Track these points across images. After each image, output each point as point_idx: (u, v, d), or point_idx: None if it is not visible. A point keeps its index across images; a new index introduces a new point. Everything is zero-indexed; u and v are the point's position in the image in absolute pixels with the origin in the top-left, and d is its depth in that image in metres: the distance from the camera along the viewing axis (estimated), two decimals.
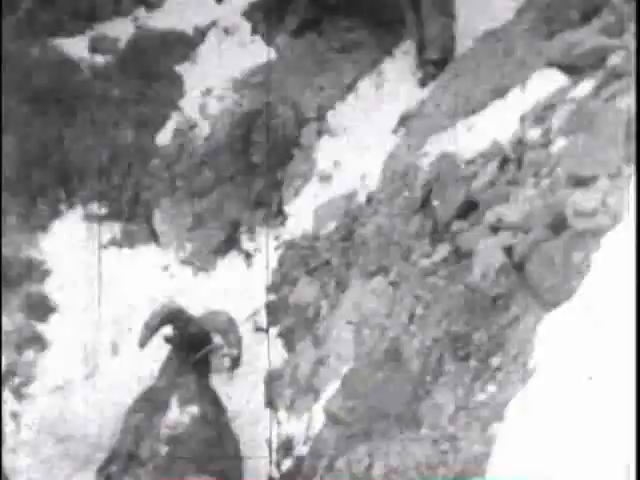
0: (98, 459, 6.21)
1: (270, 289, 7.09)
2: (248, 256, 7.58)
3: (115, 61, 8.41)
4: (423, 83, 7.73)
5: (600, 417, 3.53)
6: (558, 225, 4.53)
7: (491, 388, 4.31)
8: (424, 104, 7.21)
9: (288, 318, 6.61)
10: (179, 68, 8.38)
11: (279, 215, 7.66)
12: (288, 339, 6.49)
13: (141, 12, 8.79)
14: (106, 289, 7.20)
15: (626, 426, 3.43)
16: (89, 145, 7.75)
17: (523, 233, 4.72)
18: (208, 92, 8.17)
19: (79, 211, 7.71)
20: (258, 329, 6.92)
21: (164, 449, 5.83)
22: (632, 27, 5.52)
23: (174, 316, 6.68)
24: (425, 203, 5.83)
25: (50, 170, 7.65)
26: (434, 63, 7.71)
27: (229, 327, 6.67)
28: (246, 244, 7.64)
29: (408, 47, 8.15)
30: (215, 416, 6.18)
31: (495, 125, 6.06)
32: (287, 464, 5.60)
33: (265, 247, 7.52)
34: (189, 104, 8.17)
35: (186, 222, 7.69)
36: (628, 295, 3.75)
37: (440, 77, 7.41)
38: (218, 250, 7.60)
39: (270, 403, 6.29)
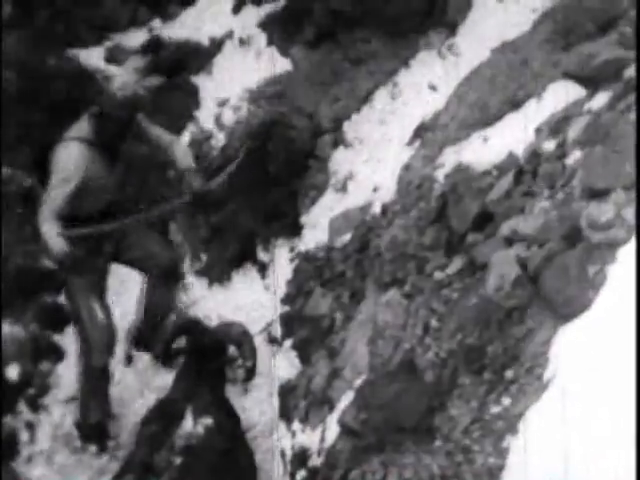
0: (112, 469, 6.22)
1: (285, 300, 7.09)
2: (263, 267, 7.58)
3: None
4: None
5: (616, 430, 3.52)
6: (573, 237, 4.52)
7: (505, 400, 4.30)
8: (439, 115, 7.20)
9: (303, 330, 6.60)
10: (195, 79, 8.42)
11: (294, 226, 7.66)
12: (302, 351, 6.48)
13: (157, 23, 8.84)
14: (121, 299, 7.21)
15: None
16: None
17: (538, 245, 4.71)
18: (224, 103, 8.19)
19: None
20: (272, 340, 6.91)
21: (178, 460, 5.84)
22: None
23: (189, 327, 6.71)
24: (440, 215, 5.83)
25: None
26: None
27: (244, 338, 6.70)
28: (261, 255, 7.64)
29: (424, 58, 8.15)
30: (229, 427, 6.19)
31: (511, 137, 6.06)
32: (301, 475, 5.59)
33: (280, 258, 7.53)
34: (205, 115, 8.20)
35: (201, 233, 7.69)
36: None
37: (456, 88, 7.39)
38: (233, 261, 7.60)
39: (284, 414, 6.29)
